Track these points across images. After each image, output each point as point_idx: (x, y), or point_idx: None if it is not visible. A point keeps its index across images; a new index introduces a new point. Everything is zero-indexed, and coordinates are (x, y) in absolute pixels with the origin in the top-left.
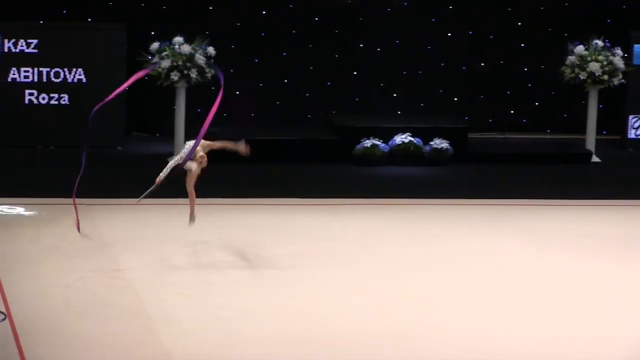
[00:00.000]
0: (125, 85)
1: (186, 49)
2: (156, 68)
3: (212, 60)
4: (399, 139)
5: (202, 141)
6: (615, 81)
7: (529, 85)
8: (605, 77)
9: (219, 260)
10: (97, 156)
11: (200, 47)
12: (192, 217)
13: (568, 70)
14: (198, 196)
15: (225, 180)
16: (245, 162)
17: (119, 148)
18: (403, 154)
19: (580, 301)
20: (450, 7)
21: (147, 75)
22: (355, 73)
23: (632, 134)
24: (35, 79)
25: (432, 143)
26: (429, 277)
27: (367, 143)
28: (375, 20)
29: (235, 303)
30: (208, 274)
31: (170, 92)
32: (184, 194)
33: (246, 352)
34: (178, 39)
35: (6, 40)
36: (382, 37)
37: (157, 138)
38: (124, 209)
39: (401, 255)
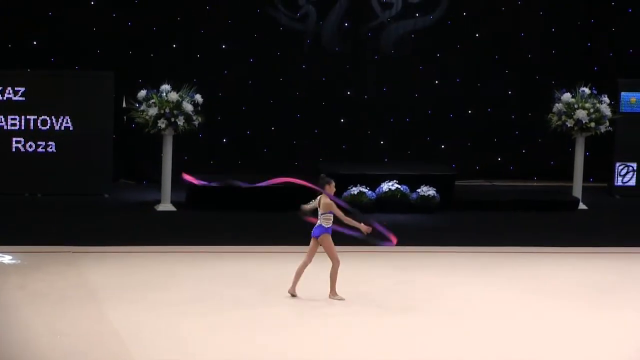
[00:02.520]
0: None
1: (173, 96)
2: (142, 115)
3: (199, 108)
4: (386, 186)
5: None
6: (602, 128)
7: (516, 132)
8: (592, 124)
9: (205, 307)
10: (85, 203)
11: (188, 95)
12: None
13: (555, 118)
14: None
15: (211, 229)
16: (232, 210)
17: (106, 195)
18: (390, 201)
19: (564, 347)
20: (438, 55)
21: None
22: (342, 120)
23: (619, 181)
24: (23, 127)
25: (419, 190)
26: (420, 323)
27: (354, 190)
28: (363, 68)
29: (219, 349)
30: (195, 321)
31: (157, 140)
32: (171, 242)
33: None
34: (165, 87)
35: None
36: (370, 84)
37: (144, 185)
38: (111, 256)
39: (390, 301)
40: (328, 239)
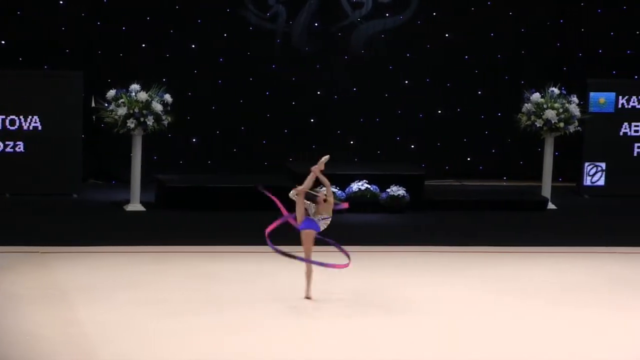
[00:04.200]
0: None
1: (143, 96)
2: (112, 115)
3: (169, 108)
4: (356, 186)
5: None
6: (571, 128)
7: (486, 132)
8: (561, 124)
9: (178, 309)
10: (53, 204)
11: (157, 95)
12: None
13: (524, 118)
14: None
15: (185, 228)
16: (202, 210)
17: (75, 195)
18: (360, 201)
19: (533, 346)
20: (408, 55)
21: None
22: (312, 120)
23: (587, 181)
24: None
25: (388, 190)
26: (393, 324)
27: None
28: (332, 68)
29: (191, 351)
30: (167, 323)
31: (126, 139)
32: (142, 242)
33: None
34: (134, 87)
35: None
36: (339, 84)
37: (113, 185)
38: (81, 257)
39: (362, 302)
40: (312, 235)
